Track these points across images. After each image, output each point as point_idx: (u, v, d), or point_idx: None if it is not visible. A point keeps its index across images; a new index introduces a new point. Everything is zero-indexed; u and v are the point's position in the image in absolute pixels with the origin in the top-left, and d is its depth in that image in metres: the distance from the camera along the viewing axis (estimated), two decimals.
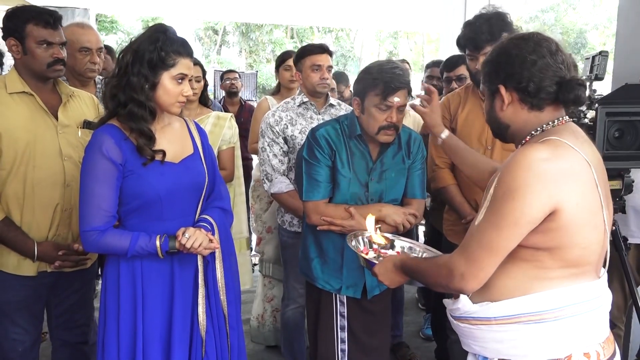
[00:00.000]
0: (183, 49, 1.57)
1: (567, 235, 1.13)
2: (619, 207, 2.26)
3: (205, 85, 2.80)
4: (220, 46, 19.58)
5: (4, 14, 1.82)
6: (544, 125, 1.21)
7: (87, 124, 1.94)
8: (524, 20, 17.52)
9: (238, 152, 2.84)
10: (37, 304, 1.92)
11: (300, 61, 2.44)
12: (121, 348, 1.59)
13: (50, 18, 1.80)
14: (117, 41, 16.15)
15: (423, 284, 1.34)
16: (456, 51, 2.43)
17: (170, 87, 1.56)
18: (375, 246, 1.58)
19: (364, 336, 2.00)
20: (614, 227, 2.26)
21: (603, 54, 2.26)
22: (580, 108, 2.27)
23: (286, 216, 2.46)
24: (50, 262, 1.83)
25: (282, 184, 2.36)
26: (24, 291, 1.85)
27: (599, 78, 2.26)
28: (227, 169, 2.74)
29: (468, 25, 2.15)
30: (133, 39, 1.59)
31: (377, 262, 1.44)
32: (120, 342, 1.59)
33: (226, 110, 4.16)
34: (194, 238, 1.55)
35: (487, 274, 1.15)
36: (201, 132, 1.78)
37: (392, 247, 1.62)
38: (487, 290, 1.20)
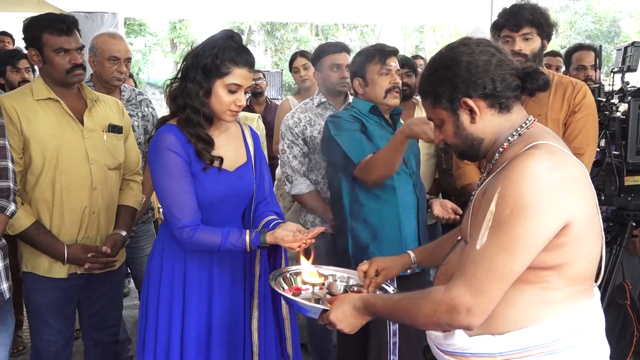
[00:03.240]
0: (239, 58, 1.52)
1: (576, 248, 1.02)
2: None
3: None
4: (246, 45, 19.71)
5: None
6: (518, 129, 1.10)
7: (112, 128, 1.98)
8: (554, 10, 17.06)
9: (265, 152, 2.86)
10: (69, 306, 1.97)
11: (319, 61, 2.43)
12: (158, 346, 1.61)
13: (63, 25, 1.82)
14: (145, 43, 16.46)
15: (402, 324, 1.16)
16: None
17: (222, 95, 1.53)
18: (304, 285, 1.41)
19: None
20: None
21: (636, 45, 2.19)
22: (612, 101, 2.21)
23: (308, 216, 2.46)
24: (80, 264, 1.87)
25: (303, 185, 2.36)
26: (56, 293, 1.90)
27: (631, 69, 2.18)
28: None
29: (509, 7, 2.07)
30: (201, 43, 1.57)
31: (324, 307, 1.22)
32: (158, 340, 1.61)
33: (252, 111, 4.19)
34: (291, 236, 1.52)
35: (494, 305, 1.00)
36: (255, 138, 1.76)
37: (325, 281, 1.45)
38: (486, 321, 1.02)
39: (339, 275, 1.49)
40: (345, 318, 1.17)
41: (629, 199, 2.15)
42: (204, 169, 1.56)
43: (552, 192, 0.98)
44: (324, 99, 2.44)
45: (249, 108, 4.37)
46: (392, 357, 1.84)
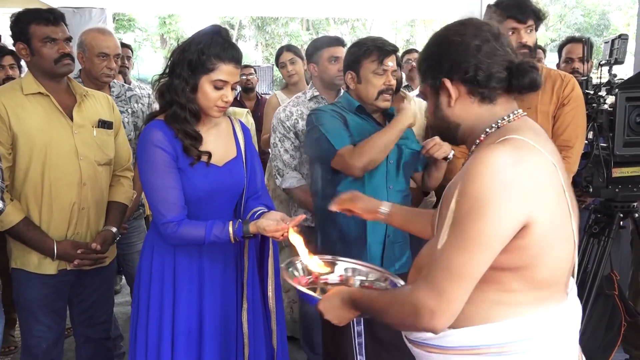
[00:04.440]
0: (225, 54, 1.52)
1: (537, 253, 0.96)
2: None
3: None
4: (237, 40, 19.63)
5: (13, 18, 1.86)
6: (499, 121, 1.04)
7: (102, 124, 1.97)
8: (544, 3, 17.12)
9: (255, 147, 2.86)
10: (59, 302, 1.96)
11: (317, 53, 2.42)
12: (149, 341, 1.62)
13: (50, 15, 1.83)
14: (134, 39, 16.33)
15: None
16: None
17: (208, 91, 1.53)
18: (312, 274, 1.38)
19: (383, 331, 1.98)
20: (636, 215, 2.22)
21: (623, 37, 2.20)
22: (600, 93, 2.22)
23: (300, 210, 2.47)
24: (69, 260, 1.87)
25: (294, 179, 2.36)
26: (46, 289, 1.89)
27: (618, 62, 2.20)
28: None
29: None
30: (188, 38, 1.57)
31: (318, 296, 1.22)
32: (149, 335, 1.62)
33: (243, 106, 4.17)
34: (275, 225, 1.51)
35: (460, 307, 0.95)
36: (246, 132, 1.76)
37: (333, 271, 1.41)
38: None
39: (361, 270, 1.43)
40: (333, 310, 1.16)
41: (617, 190, 2.17)
42: (191, 164, 1.57)
43: (510, 188, 0.92)
44: (316, 93, 2.43)
45: (239, 103, 4.36)
46: (359, 357, 1.80)
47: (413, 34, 20.43)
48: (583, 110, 2.06)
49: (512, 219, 0.93)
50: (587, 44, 2.42)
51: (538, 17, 1.99)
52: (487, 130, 1.05)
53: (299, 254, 1.38)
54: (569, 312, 1.05)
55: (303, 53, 3.06)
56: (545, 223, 0.95)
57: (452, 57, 1.04)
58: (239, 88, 4.86)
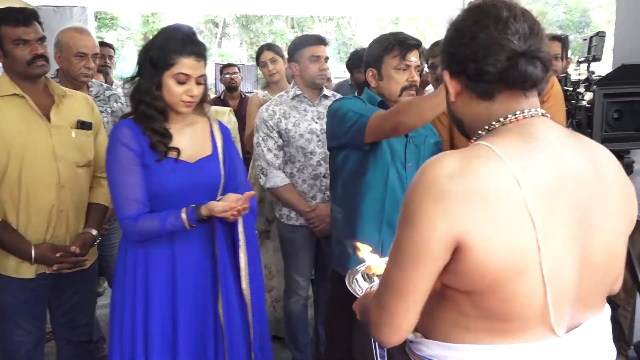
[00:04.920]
0: (184, 48, 1.54)
1: (480, 279, 0.83)
2: None
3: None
4: (221, 39, 19.53)
5: None
6: (494, 123, 0.90)
7: (81, 124, 1.94)
8: (526, 1, 17.28)
9: (238, 146, 2.85)
10: (38, 306, 1.93)
11: (298, 52, 2.41)
12: (124, 338, 1.61)
13: (20, 15, 1.79)
14: (117, 38, 16.16)
15: None
16: None
17: (172, 87, 1.56)
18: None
19: None
20: None
21: (600, 35, 2.23)
22: (579, 90, 2.25)
23: (284, 210, 2.46)
24: (48, 264, 1.84)
25: (278, 178, 2.36)
26: (24, 293, 1.86)
27: (596, 59, 2.23)
28: None
29: None
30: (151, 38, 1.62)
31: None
32: (123, 332, 1.61)
33: (226, 105, 4.15)
34: (223, 204, 1.54)
35: (405, 321, 0.88)
36: (224, 132, 1.77)
37: None
38: (421, 318, 0.92)
39: None
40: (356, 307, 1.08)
41: None
42: (157, 160, 1.59)
43: (441, 204, 0.81)
44: (299, 92, 2.43)
45: (223, 102, 4.34)
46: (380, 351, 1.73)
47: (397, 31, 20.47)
48: (562, 107, 2.08)
49: (438, 237, 0.82)
50: (564, 41, 2.44)
51: None
52: (480, 132, 0.93)
53: (367, 260, 1.28)
54: (553, 354, 0.87)
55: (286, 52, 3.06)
56: (482, 248, 0.81)
57: (449, 47, 0.95)
58: (221, 87, 4.84)
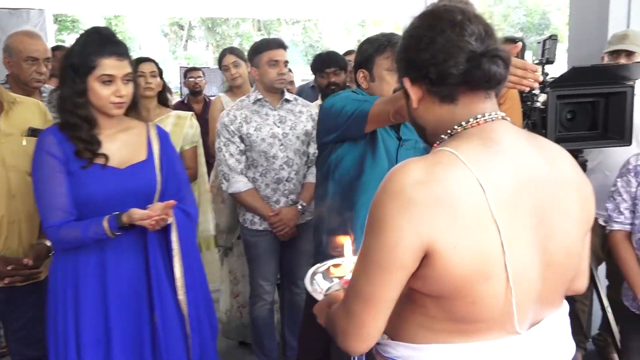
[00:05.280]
0: (103, 49, 1.54)
1: (450, 285, 0.84)
2: None
3: (164, 84, 2.76)
4: (187, 41, 19.30)
5: None
6: (456, 127, 0.90)
7: (32, 132, 1.87)
8: (488, 4, 17.70)
9: (201, 150, 2.83)
10: None
11: (257, 57, 2.40)
12: (59, 351, 1.59)
13: None
14: None
15: None
16: None
17: (97, 90, 1.55)
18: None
19: None
20: None
21: (553, 38, 2.29)
22: (534, 92, 2.31)
23: (247, 215, 2.44)
24: None
25: (240, 183, 2.34)
26: None
27: (549, 61, 2.28)
28: (190, 168, 2.72)
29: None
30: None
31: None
32: (58, 345, 1.60)
33: (190, 109, 4.10)
34: (142, 212, 1.54)
35: (373, 329, 0.87)
36: (163, 138, 1.74)
37: None
38: (390, 322, 0.92)
39: None
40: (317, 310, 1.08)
41: None
42: (83, 167, 1.57)
43: (409, 210, 0.81)
44: (260, 96, 2.42)
45: (187, 106, 4.29)
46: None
47: (364, 34, 20.66)
48: (519, 108, 2.12)
49: (406, 245, 0.82)
50: (523, 44, 2.50)
51: None
52: (443, 136, 0.92)
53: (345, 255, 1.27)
54: (513, 349, 0.89)
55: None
56: (450, 254, 0.81)
57: (407, 54, 0.94)
58: (186, 90, 4.78)
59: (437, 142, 0.94)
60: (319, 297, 1.15)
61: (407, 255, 0.82)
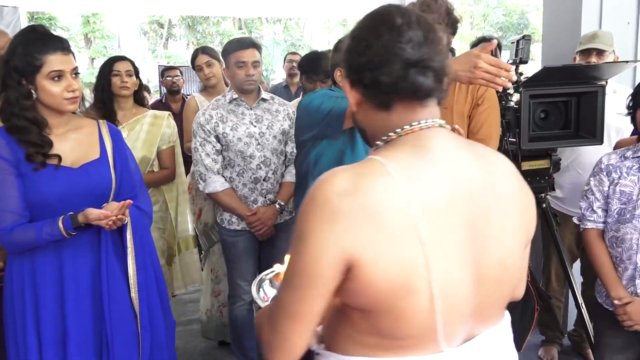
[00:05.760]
0: (47, 46, 1.52)
1: (372, 298, 0.81)
2: (549, 184, 2.35)
3: (141, 83, 2.73)
4: (167, 40, 19.09)
5: None
6: (391, 133, 0.88)
7: None
8: (468, 3, 17.87)
9: (179, 150, 2.80)
10: None
11: (227, 57, 2.38)
12: (19, 351, 1.58)
13: None
14: None
15: None
16: None
17: (48, 87, 1.53)
18: None
19: None
20: (544, 205, 2.36)
21: (526, 38, 2.32)
22: (508, 91, 2.34)
23: (225, 214, 2.43)
24: None
25: (217, 183, 2.33)
26: None
27: (523, 61, 2.31)
28: (168, 168, 2.70)
29: (418, 3, 1.96)
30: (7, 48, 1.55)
31: None
32: (17, 345, 1.58)
33: (169, 108, 4.06)
34: (98, 211, 1.52)
35: (296, 344, 0.85)
36: (114, 135, 1.73)
37: None
38: (324, 331, 0.92)
39: None
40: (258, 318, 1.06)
41: (526, 182, 2.29)
42: (35, 169, 1.55)
43: (332, 222, 0.78)
44: (236, 95, 2.40)
45: (165, 105, 4.24)
46: None
47: (346, 33, 20.68)
48: (497, 109, 2.10)
49: (330, 257, 0.79)
50: (498, 44, 2.52)
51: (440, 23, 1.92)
52: (378, 142, 0.90)
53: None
54: None
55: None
56: (373, 269, 0.78)
57: (347, 56, 0.92)
58: (164, 90, 4.73)
59: (374, 148, 0.92)
60: (264, 304, 1.11)
61: (330, 268, 0.79)
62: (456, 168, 0.85)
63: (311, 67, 2.91)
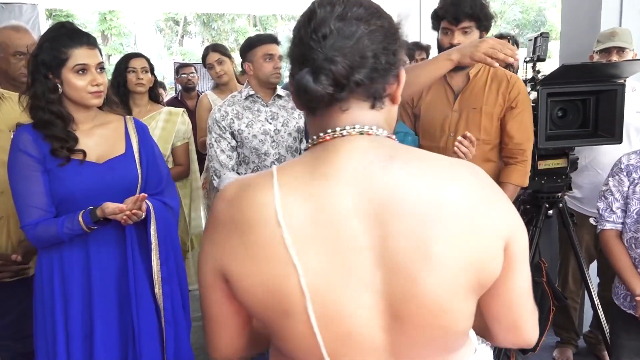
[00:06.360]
0: (73, 40, 1.55)
1: (253, 314, 0.78)
2: (565, 184, 2.32)
3: (156, 80, 2.75)
4: (182, 37, 19.22)
5: None
6: (310, 140, 0.79)
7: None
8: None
9: (193, 147, 2.81)
10: None
11: (251, 51, 2.39)
12: (47, 341, 1.60)
13: None
14: None
15: None
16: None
17: (73, 81, 1.55)
18: None
19: None
20: (560, 205, 2.33)
21: (544, 35, 2.30)
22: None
23: None
24: None
25: (231, 180, 2.33)
26: None
27: (540, 59, 2.29)
28: (182, 164, 2.72)
29: None
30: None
31: None
32: (47, 336, 1.60)
33: (184, 105, 4.09)
34: (114, 205, 1.54)
35: (219, 343, 0.82)
36: (140, 131, 1.74)
37: None
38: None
39: None
40: None
41: (543, 182, 2.27)
42: (60, 164, 1.56)
43: (213, 230, 0.77)
44: (252, 92, 2.41)
45: (180, 102, 4.26)
46: None
47: None
48: (530, 111, 2.06)
49: (209, 265, 0.77)
50: (511, 41, 2.50)
51: (476, 18, 1.92)
52: (304, 150, 0.82)
53: None
54: None
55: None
56: (249, 285, 0.73)
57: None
58: (179, 87, 4.76)
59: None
60: None
61: (211, 276, 0.77)
62: (363, 183, 0.72)
63: None
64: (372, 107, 0.76)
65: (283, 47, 2.53)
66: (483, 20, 1.96)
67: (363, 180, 0.72)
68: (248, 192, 0.74)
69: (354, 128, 0.75)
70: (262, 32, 3.00)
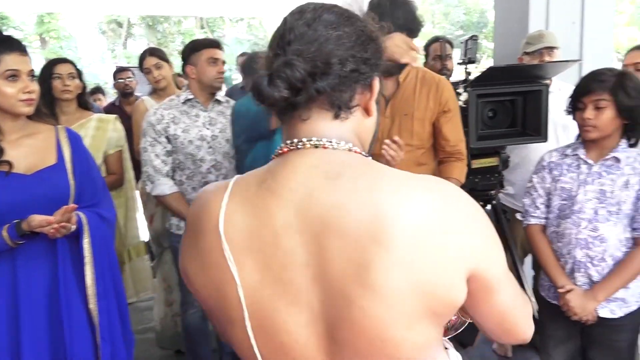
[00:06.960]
0: (1, 45, 1.49)
1: (210, 319, 0.83)
2: (498, 181, 2.39)
3: (84, 86, 2.64)
4: (126, 40, 18.66)
5: None
6: (278, 150, 0.77)
7: None
8: (429, 2, 18.13)
9: (127, 155, 2.72)
10: None
11: (195, 54, 2.32)
12: None
13: None
14: None
15: None
16: None
17: (2, 87, 1.50)
18: None
19: None
20: (494, 202, 2.39)
21: (474, 38, 2.36)
22: (458, 91, 2.36)
23: (173, 220, 2.37)
24: None
25: (165, 186, 2.26)
26: None
27: (471, 61, 2.34)
28: (116, 173, 2.62)
29: (376, 4, 1.92)
30: None
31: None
32: None
33: (123, 111, 3.95)
34: (41, 217, 1.47)
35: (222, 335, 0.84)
36: (73, 141, 1.68)
37: None
38: None
39: None
40: None
41: (477, 180, 2.33)
42: None
43: (185, 234, 0.80)
44: (191, 96, 2.34)
45: (119, 108, 4.12)
46: None
47: None
48: (459, 112, 2.08)
49: (181, 265, 0.80)
50: (444, 44, 2.55)
51: (399, 25, 1.84)
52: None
53: None
54: None
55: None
56: (203, 289, 0.75)
57: None
58: (116, 93, 4.60)
59: None
60: None
61: (185, 275, 0.79)
62: (305, 199, 0.69)
63: (252, 68, 2.91)
64: (336, 117, 0.73)
65: (228, 51, 2.49)
66: (409, 26, 1.92)
67: (305, 197, 0.69)
68: (204, 198, 0.76)
69: (311, 140, 0.72)
70: (209, 36, 2.92)
